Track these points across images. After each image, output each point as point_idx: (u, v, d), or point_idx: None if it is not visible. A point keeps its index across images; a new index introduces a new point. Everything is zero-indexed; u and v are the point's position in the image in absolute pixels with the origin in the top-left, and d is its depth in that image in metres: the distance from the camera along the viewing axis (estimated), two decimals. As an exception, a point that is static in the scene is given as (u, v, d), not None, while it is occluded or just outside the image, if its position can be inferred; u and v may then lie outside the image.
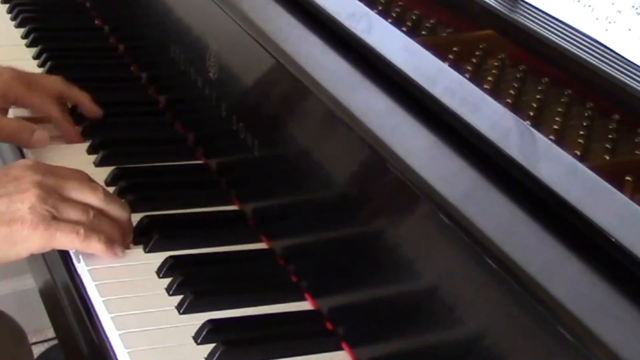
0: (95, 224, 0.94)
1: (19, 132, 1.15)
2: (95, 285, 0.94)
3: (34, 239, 0.92)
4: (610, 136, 0.87)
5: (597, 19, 0.94)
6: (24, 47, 1.42)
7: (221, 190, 1.12)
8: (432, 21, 1.07)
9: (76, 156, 1.16)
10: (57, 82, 1.22)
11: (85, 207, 0.95)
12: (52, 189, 0.94)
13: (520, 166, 0.74)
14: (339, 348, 0.89)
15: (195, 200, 1.09)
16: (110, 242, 0.95)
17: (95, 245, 0.94)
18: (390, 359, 0.83)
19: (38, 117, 1.21)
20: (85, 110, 1.23)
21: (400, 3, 1.10)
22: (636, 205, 0.70)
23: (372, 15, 0.99)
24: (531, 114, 0.89)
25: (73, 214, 0.94)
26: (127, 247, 0.99)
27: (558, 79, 0.96)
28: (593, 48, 0.92)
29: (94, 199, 0.96)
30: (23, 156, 1.17)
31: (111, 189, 1.09)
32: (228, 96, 1.10)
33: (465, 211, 0.73)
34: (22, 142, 1.16)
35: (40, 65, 1.37)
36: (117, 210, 0.98)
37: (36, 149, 1.15)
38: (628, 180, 0.80)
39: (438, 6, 1.09)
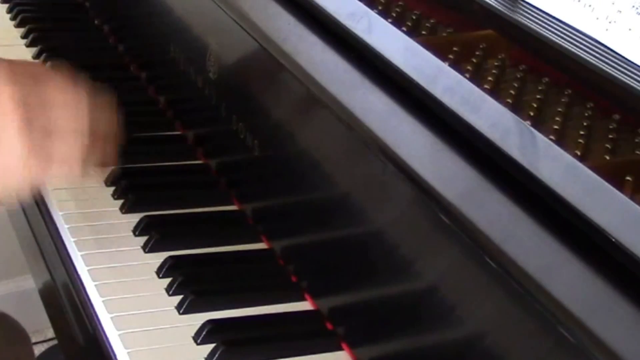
0: (90, 154, 0.89)
1: None
2: (95, 285, 0.94)
3: (28, 166, 0.85)
4: (610, 136, 0.87)
5: (597, 18, 0.94)
6: (24, 47, 1.42)
7: (221, 190, 1.12)
8: (432, 21, 1.07)
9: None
10: None
11: (75, 137, 0.88)
12: (39, 126, 0.85)
13: (520, 166, 0.74)
14: (339, 348, 0.89)
15: (195, 200, 1.09)
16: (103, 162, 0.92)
17: (92, 164, 0.90)
18: (390, 359, 0.83)
19: None
20: None
21: (400, 3, 1.10)
22: (636, 205, 0.70)
23: (372, 15, 0.99)
24: (531, 114, 0.89)
25: (63, 147, 0.87)
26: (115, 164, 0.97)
27: (558, 79, 0.96)
28: (593, 48, 0.92)
29: (80, 126, 0.89)
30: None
31: (111, 189, 1.09)
32: (228, 96, 1.10)
33: (465, 211, 0.73)
34: None
35: (40, 65, 1.37)
36: (105, 127, 0.92)
37: None
38: (628, 180, 0.80)
39: (438, 6, 1.09)
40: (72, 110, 0.89)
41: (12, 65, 0.88)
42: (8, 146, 0.84)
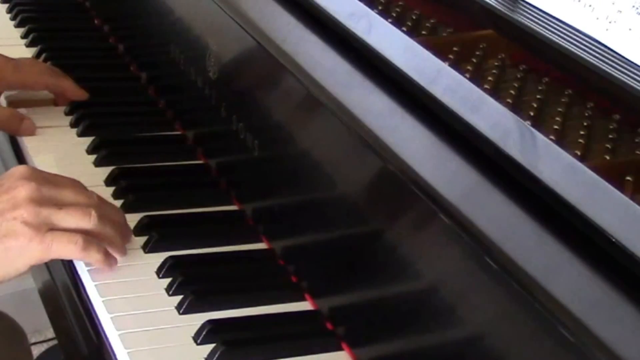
0: (99, 227, 0.94)
1: (9, 120, 1.17)
2: (95, 285, 0.94)
3: (30, 252, 0.91)
4: (610, 136, 0.87)
5: (597, 18, 0.94)
6: (24, 47, 1.43)
7: (221, 190, 1.12)
8: (432, 21, 1.07)
9: (76, 156, 1.16)
10: (43, 75, 1.24)
11: (85, 211, 0.93)
12: (47, 199, 0.92)
13: (520, 166, 0.74)
14: (339, 348, 0.89)
15: (195, 200, 1.09)
16: (107, 253, 0.95)
17: (94, 255, 0.93)
18: (390, 359, 0.83)
19: (31, 100, 1.24)
20: (72, 96, 1.25)
21: (400, 3, 1.10)
22: (636, 205, 0.70)
23: (372, 15, 0.99)
24: (531, 114, 0.89)
25: (72, 221, 0.92)
26: (124, 254, 0.98)
27: (558, 79, 0.96)
28: (593, 48, 0.92)
29: (90, 204, 0.95)
30: (19, 156, 1.17)
31: (111, 189, 1.09)
32: (228, 96, 1.10)
33: (466, 211, 0.73)
34: (11, 130, 1.18)
35: (40, 65, 1.37)
36: (114, 215, 0.97)
37: (33, 153, 1.15)
38: (628, 180, 0.80)
39: (438, 6, 1.09)
40: (82, 191, 0.96)
41: (31, 169, 0.96)
42: (14, 233, 0.90)
